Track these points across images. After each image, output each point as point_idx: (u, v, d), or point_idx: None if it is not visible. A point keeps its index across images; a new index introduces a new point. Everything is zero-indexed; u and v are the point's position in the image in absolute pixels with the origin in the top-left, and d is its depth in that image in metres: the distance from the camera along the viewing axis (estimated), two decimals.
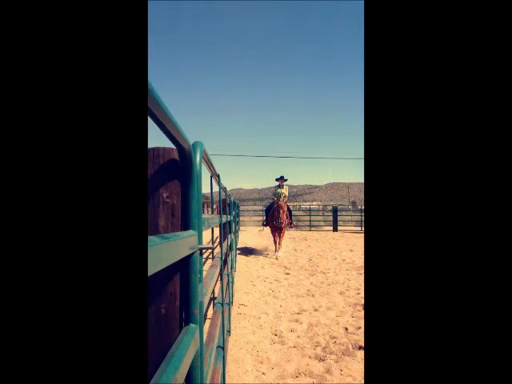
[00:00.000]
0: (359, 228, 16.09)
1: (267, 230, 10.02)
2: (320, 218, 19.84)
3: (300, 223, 17.59)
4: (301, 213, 22.27)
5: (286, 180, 8.17)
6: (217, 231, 7.07)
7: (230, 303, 3.39)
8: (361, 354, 2.69)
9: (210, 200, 2.65)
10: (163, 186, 0.92)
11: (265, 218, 8.79)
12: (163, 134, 0.72)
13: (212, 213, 3.16)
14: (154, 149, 0.92)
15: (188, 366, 0.79)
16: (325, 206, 45.82)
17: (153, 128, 0.66)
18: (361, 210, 17.76)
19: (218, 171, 1.84)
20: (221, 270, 2.23)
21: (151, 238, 0.59)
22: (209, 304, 3.60)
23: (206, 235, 4.23)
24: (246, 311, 3.82)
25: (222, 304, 2.14)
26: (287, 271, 6.16)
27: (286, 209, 7.92)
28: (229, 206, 3.94)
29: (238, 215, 9.37)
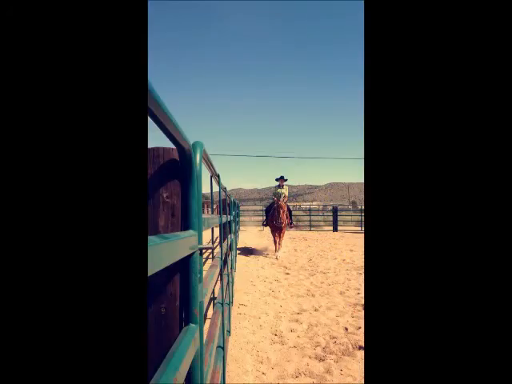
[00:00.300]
0: (359, 228, 16.08)
1: (267, 229, 10.01)
2: (320, 217, 19.82)
3: (300, 223, 17.59)
4: (301, 213, 22.26)
5: (286, 180, 8.17)
6: (217, 231, 7.07)
7: (230, 303, 3.39)
8: (361, 354, 2.69)
9: (210, 200, 2.65)
10: (163, 186, 0.92)
11: (265, 217, 8.80)
12: (163, 134, 0.72)
13: (212, 213, 3.16)
14: (154, 149, 0.92)
15: (188, 366, 0.79)
16: (325, 206, 45.78)
17: (153, 128, 0.66)
18: (361, 210, 17.75)
19: (218, 171, 1.84)
20: (221, 269, 2.23)
21: (151, 238, 0.59)
22: (209, 304, 3.59)
23: (206, 235, 4.22)
24: (245, 311, 3.82)
25: (222, 304, 2.14)
26: (287, 271, 6.16)
27: (285, 209, 7.92)
28: (229, 206, 3.94)
29: (238, 215, 9.37)
